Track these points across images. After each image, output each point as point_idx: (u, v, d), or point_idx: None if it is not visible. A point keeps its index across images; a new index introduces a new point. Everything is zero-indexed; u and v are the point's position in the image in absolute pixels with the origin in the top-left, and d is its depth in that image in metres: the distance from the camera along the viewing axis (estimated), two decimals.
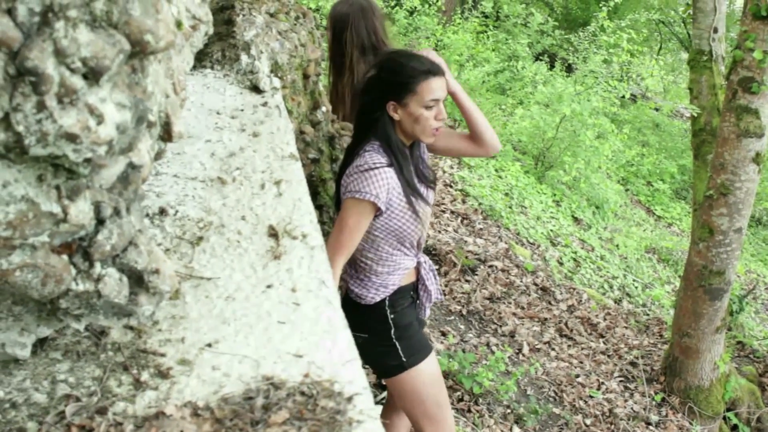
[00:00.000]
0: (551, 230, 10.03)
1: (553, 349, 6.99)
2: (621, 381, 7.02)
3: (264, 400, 1.76)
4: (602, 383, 6.79)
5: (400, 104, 3.12)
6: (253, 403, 1.75)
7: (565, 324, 7.57)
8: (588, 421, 6.09)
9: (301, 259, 2.30)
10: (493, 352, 6.24)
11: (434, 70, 3.11)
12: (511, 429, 5.48)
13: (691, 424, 6.68)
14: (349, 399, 1.83)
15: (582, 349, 7.27)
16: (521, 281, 7.96)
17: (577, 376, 6.70)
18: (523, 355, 6.63)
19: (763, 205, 16.36)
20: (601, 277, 9.48)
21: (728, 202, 6.34)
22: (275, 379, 1.84)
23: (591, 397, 6.46)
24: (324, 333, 2.04)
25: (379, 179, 3.05)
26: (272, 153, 2.72)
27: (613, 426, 6.19)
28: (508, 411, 5.67)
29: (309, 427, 1.70)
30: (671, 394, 7.06)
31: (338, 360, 1.95)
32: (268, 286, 2.17)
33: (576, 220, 11.39)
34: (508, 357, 6.38)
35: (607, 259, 10.25)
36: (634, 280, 10.04)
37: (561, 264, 9.06)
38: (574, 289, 8.43)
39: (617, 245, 11.23)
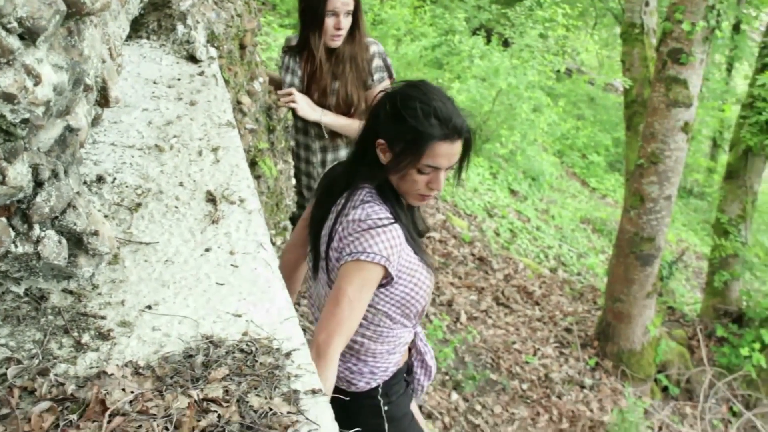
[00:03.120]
0: (488, 202, 10.15)
1: (490, 317, 7.11)
2: (556, 347, 7.17)
3: (204, 358, 1.81)
4: (538, 349, 6.94)
5: (391, 149, 2.44)
6: (193, 361, 1.79)
7: (502, 293, 7.70)
8: (524, 386, 6.22)
9: (239, 223, 2.34)
10: (431, 321, 6.33)
11: (454, 132, 2.39)
12: (449, 395, 5.58)
13: (623, 386, 6.86)
14: (288, 355, 1.88)
15: (518, 316, 7.40)
16: (459, 252, 8.07)
17: (514, 342, 6.83)
18: (461, 323, 6.73)
19: (693, 176, 16.72)
20: (536, 247, 9.63)
21: (658, 170, 6.50)
22: (215, 338, 1.89)
23: (527, 362, 6.59)
24: (262, 293, 2.09)
25: (387, 238, 2.38)
26: (209, 121, 2.75)
27: (548, 390, 6.33)
28: (447, 378, 5.76)
29: (248, 382, 1.75)
30: (604, 358, 7.23)
31: (276, 318, 2.00)
32: (207, 250, 2.21)
33: (512, 192, 11.54)
34: (446, 325, 6.48)
35: (543, 229, 10.42)
36: (569, 250, 10.22)
37: (498, 235, 9.19)
38: (511, 258, 8.57)
39: (553, 216, 11.41)
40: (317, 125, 3.72)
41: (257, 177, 3.45)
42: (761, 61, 8.15)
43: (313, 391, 1.78)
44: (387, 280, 2.45)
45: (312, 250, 2.69)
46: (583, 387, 6.70)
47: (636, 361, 7.14)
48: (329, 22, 3.48)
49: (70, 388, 1.65)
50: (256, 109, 3.55)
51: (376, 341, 2.64)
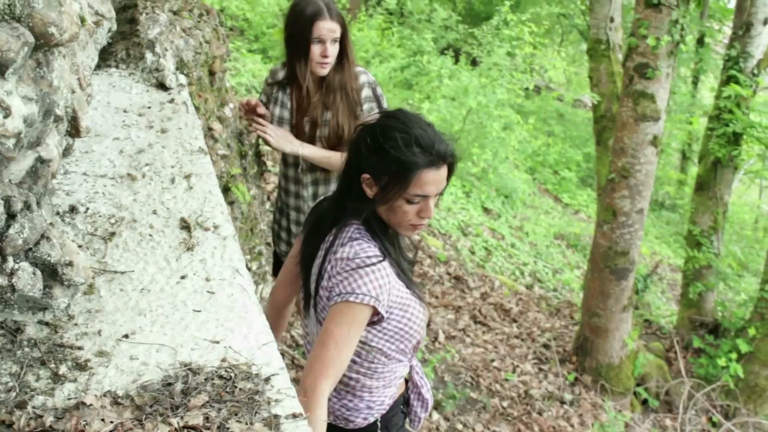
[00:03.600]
0: (462, 221, 10.18)
1: (468, 336, 7.11)
2: (535, 363, 7.18)
3: (183, 386, 1.80)
4: (517, 366, 6.94)
5: (377, 182, 2.36)
6: (173, 389, 1.78)
7: (479, 311, 7.71)
8: (505, 403, 6.22)
9: (214, 249, 2.34)
10: None
11: (439, 158, 2.32)
12: (430, 415, 5.57)
13: (603, 400, 6.88)
14: (267, 380, 1.87)
15: (496, 334, 7.41)
16: (434, 271, 8.08)
17: (493, 360, 6.83)
18: (439, 342, 6.73)
19: (664, 188, 16.86)
20: (512, 264, 9.66)
21: (629, 184, 6.55)
22: (193, 365, 1.88)
23: (507, 380, 6.60)
24: (239, 319, 2.08)
25: (376, 277, 2.30)
26: (181, 148, 2.75)
27: (529, 406, 6.33)
28: None
29: (228, 408, 1.74)
30: (583, 373, 7.25)
31: (254, 344, 2.00)
32: (183, 277, 2.20)
33: (486, 210, 11.58)
34: (425, 345, 6.48)
35: (518, 246, 10.45)
36: (544, 266, 10.26)
37: (473, 253, 9.21)
38: (487, 276, 8.59)
39: (527, 233, 11.45)
40: (295, 167, 3.63)
41: (231, 203, 3.45)
42: (726, 73, 8.25)
43: (294, 416, 1.78)
44: (378, 318, 2.37)
45: (303, 288, 2.60)
46: (563, 403, 6.71)
47: (615, 375, 7.17)
48: (315, 49, 3.37)
49: (49, 420, 1.63)
50: (228, 135, 3.55)
51: (371, 377, 2.57)
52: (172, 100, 3.04)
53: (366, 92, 3.52)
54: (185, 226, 2.40)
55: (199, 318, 2.06)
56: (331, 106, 3.47)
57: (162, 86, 3.11)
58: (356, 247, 2.36)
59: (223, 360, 1.92)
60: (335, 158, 3.45)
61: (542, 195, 14.77)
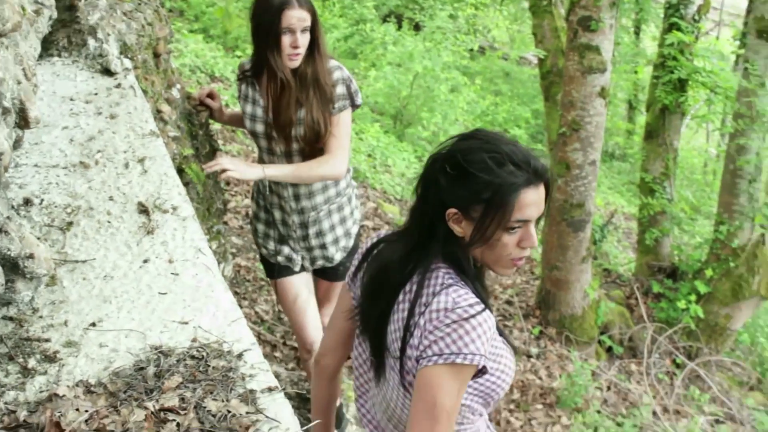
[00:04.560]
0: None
1: None
2: (500, 320, 7.25)
3: (155, 369, 1.80)
4: None
5: (466, 217, 2.00)
6: (145, 373, 1.78)
7: None
8: None
9: (174, 230, 2.33)
10: None
11: (536, 175, 1.97)
12: None
13: (569, 351, 6.97)
14: (239, 356, 1.88)
15: None
16: None
17: None
18: None
19: (613, 139, 17.01)
20: None
21: (580, 137, 6.61)
22: (164, 348, 1.88)
23: None
24: (206, 298, 2.08)
25: (483, 331, 1.92)
26: (132, 132, 2.72)
27: None
28: None
29: (203, 388, 1.75)
30: (548, 325, 7.34)
31: (223, 321, 2.00)
32: (145, 261, 2.19)
33: None
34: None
35: None
36: None
37: None
38: None
39: None
40: None
41: (185, 184, 3.43)
42: (668, 21, 8.33)
43: (270, 389, 1.79)
44: (481, 373, 2.00)
45: (372, 351, 2.20)
46: (530, 356, 6.79)
47: (578, 326, 7.27)
48: (285, 40, 3.20)
49: (22, 414, 1.63)
50: (177, 116, 3.51)
51: None
52: (118, 85, 3.00)
53: (340, 89, 3.34)
54: (143, 209, 2.38)
55: (165, 300, 2.06)
56: (304, 102, 3.30)
57: (107, 72, 3.07)
58: (453, 295, 1.96)
59: (194, 340, 1.92)
60: (303, 170, 3.33)
61: None
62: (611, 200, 14.14)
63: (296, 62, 3.26)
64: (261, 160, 3.56)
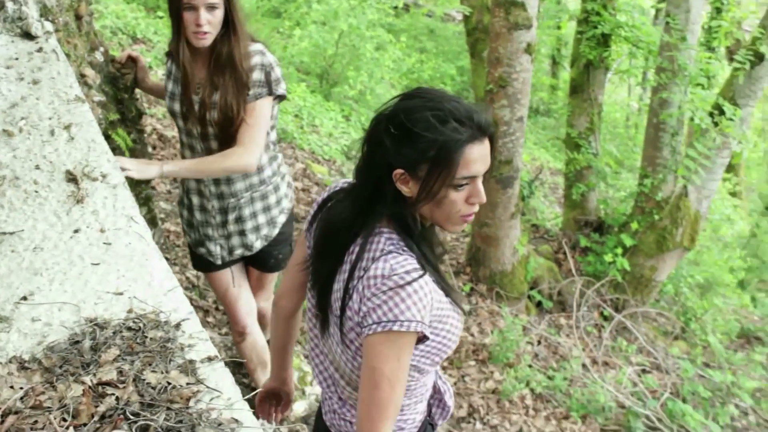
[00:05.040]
0: (345, 145, 10.16)
1: None
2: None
3: (91, 342, 1.76)
4: None
5: (413, 176, 2.00)
6: (81, 347, 1.75)
7: None
8: None
9: (105, 199, 2.27)
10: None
11: (480, 130, 1.98)
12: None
13: (500, 307, 7.05)
14: (177, 326, 1.85)
15: None
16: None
17: None
18: None
19: (538, 95, 17.16)
20: None
21: (507, 93, 6.63)
22: (99, 320, 1.84)
23: None
24: (140, 268, 2.04)
25: (419, 297, 1.94)
26: (56, 98, 2.64)
27: None
28: None
29: (142, 360, 1.72)
30: (478, 282, 7.41)
31: (159, 291, 1.97)
32: (76, 231, 2.14)
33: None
34: None
35: None
36: None
37: None
38: None
39: None
40: (191, 149, 3.41)
41: (113, 149, 3.35)
42: None
43: (209, 359, 1.77)
44: (422, 339, 2.03)
45: (318, 306, 2.22)
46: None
47: (508, 281, 7.34)
48: (188, 17, 3.03)
49: None
50: (101, 80, 3.42)
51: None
52: (40, 49, 2.90)
53: (257, 75, 3.16)
54: (72, 178, 2.32)
55: (98, 271, 2.01)
56: (220, 85, 3.14)
57: (27, 35, 2.96)
58: (391, 261, 1.97)
59: (130, 311, 1.89)
60: (205, 164, 3.18)
61: None
62: (537, 156, 14.30)
63: (204, 41, 3.10)
64: (180, 141, 3.47)
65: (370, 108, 12.25)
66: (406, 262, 1.96)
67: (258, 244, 3.55)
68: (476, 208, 2.06)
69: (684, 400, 6.55)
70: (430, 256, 2.07)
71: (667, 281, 8.42)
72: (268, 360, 3.85)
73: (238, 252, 3.57)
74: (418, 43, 17.62)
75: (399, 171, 1.98)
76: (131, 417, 1.54)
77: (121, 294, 1.94)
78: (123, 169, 2.89)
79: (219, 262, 3.59)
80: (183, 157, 3.49)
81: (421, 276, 1.94)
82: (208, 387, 1.67)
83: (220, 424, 1.58)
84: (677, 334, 8.30)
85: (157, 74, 7.97)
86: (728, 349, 8.47)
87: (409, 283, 1.92)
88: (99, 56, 3.46)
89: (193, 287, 5.16)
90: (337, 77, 12.23)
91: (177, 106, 3.33)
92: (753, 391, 7.13)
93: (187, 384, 1.67)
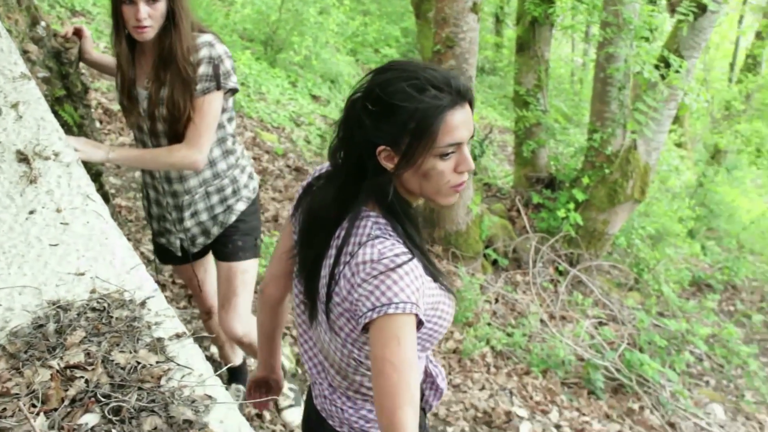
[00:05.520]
0: (293, 111, 10.09)
1: None
2: None
3: (56, 325, 1.73)
4: None
5: (397, 152, 1.93)
6: (45, 330, 1.71)
7: None
8: None
9: (59, 178, 2.22)
10: (262, 241, 6.29)
11: (459, 95, 1.91)
12: (293, 309, 5.59)
13: (456, 267, 7.07)
14: (143, 304, 1.82)
15: None
16: (274, 166, 8.01)
17: None
18: None
19: (482, 53, 17.16)
20: None
21: (455, 53, 6.60)
22: (62, 302, 1.80)
23: None
24: (101, 247, 2.00)
25: (411, 280, 1.88)
26: (1, 76, 2.57)
27: None
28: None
29: (109, 340, 1.69)
30: (434, 243, 7.42)
31: (121, 269, 1.93)
32: (31, 212, 2.09)
33: (314, 97, 11.51)
34: (276, 241, 6.46)
35: None
36: None
37: (308, 142, 9.18)
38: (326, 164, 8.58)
39: None
40: (142, 145, 3.23)
41: (62, 127, 3.28)
42: None
43: (177, 336, 1.74)
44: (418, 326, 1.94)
45: (305, 294, 2.18)
46: None
47: (464, 241, 7.37)
48: (128, 11, 2.87)
49: None
50: (44, 55, 3.34)
51: None
52: None
53: (204, 69, 3.00)
54: (23, 158, 2.26)
55: (57, 252, 1.97)
56: (165, 80, 2.99)
57: None
58: (378, 246, 1.91)
59: (93, 291, 1.85)
60: (149, 157, 3.06)
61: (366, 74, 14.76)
62: (485, 115, 14.33)
63: (145, 35, 2.94)
64: (133, 137, 3.31)
65: (315, 73, 12.17)
66: (394, 246, 1.90)
67: (215, 230, 3.42)
68: (465, 177, 1.98)
69: (641, 350, 6.67)
70: (417, 239, 2.01)
71: (620, 234, 8.52)
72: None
73: (200, 241, 3.44)
74: (361, 6, 17.50)
75: (382, 147, 1.91)
76: (102, 399, 1.51)
77: (82, 275, 1.90)
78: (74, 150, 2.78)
79: (179, 254, 3.49)
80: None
81: (410, 259, 1.89)
82: (178, 365, 1.65)
83: (193, 401, 1.57)
84: (631, 286, 8.42)
85: (99, 47, 7.81)
86: (681, 297, 8.63)
87: (399, 266, 1.86)
88: (41, 31, 3.36)
89: (149, 262, 5.10)
90: (281, 43, 12.10)
91: (119, 100, 3.21)
92: (706, 337, 7.28)
93: (157, 363, 1.64)
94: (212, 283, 3.73)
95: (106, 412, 1.48)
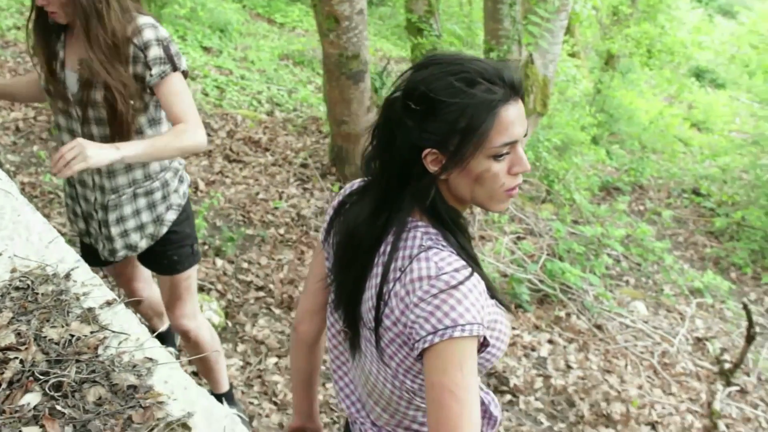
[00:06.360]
0: (187, 66, 9.91)
1: (227, 177, 7.07)
2: (298, 184, 7.27)
3: None
4: (282, 192, 7.01)
5: (444, 152, 1.72)
6: None
7: (230, 149, 7.65)
8: (281, 231, 6.30)
9: None
10: (198, 245, 6.21)
11: (512, 89, 1.73)
12: (214, 263, 5.56)
13: None
14: (67, 276, 1.79)
15: (253, 167, 7.41)
16: None
17: (258, 193, 6.85)
18: (201, 191, 6.66)
19: None
20: (247, 95, 9.57)
21: None
22: None
23: (276, 208, 6.66)
24: (14, 224, 1.95)
25: (475, 298, 1.68)
26: None
27: (304, 227, 6.45)
28: (206, 247, 5.73)
29: (38, 318, 1.65)
30: (346, 180, 7.42)
31: (40, 244, 1.89)
32: None
33: (206, 49, 11.30)
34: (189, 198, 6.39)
35: (248, 77, 10.34)
36: (278, 89, 10.24)
37: (206, 95, 9.04)
38: (227, 114, 8.48)
39: (252, 61, 11.33)
40: (70, 133, 2.91)
41: None
42: None
43: (108, 303, 1.71)
44: (483, 347, 1.79)
45: (346, 322, 1.95)
46: None
47: None
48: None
49: None
50: None
51: None
52: None
53: (155, 51, 2.74)
54: None
55: None
56: (94, 64, 2.69)
57: None
58: (435, 259, 1.70)
59: (13, 270, 1.80)
60: (160, 144, 2.70)
61: (255, 20, 14.54)
62: (380, 47, 14.28)
63: (56, 18, 2.69)
64: (57, 125, 3.00)
65: (203, 24, 11.93)
66: (451, 259, 1.71)
67: (143, 244, 3.17)
68: (520, 179, 1.80)
69: (561, 259, 6.82)
70: (471, 251, 1.82)
71: (527, 148, 8.63)
72: (163, 310, 3.64)
73: (121, 254, 3.17)
74: None
75: (428, 150, 1.71)
76: (41, 377, 1.49)
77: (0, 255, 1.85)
78: (79, 164, 2.42)
79: (103, 258, 3.23)
80: (62, 142, 2.98)
81: (472, 274, 1.69)
82: (113, 332, 1.62)
83: (134, 366, 1.55)
84: (544, 198, 8.58)
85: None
86: (593, 203, 8.84)
87: (461, 283, 1.66)
88: None
89: (61, 235, 5.00)
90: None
91: (44, 85, 2.91)
92: (621, 239, 7.48)
93: (92, 332, 1.61)
94: (141, 278, 3.64)
95: (47, 389, 1.46)
